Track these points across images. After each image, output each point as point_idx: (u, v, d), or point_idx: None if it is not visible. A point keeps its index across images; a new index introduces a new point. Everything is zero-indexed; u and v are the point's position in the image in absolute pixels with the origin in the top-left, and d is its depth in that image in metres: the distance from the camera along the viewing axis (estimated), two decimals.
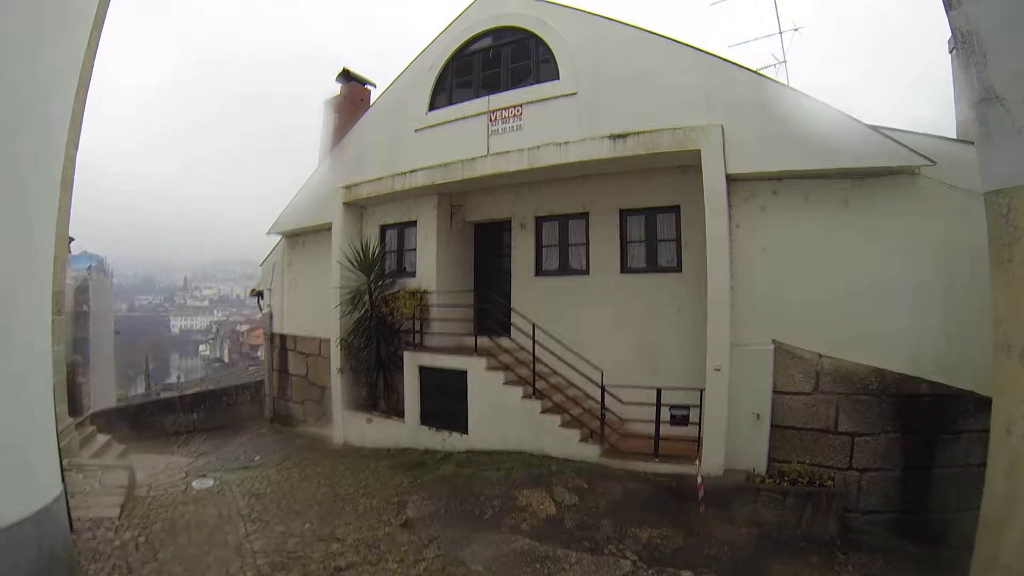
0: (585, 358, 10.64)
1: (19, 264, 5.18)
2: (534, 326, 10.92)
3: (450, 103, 12.68)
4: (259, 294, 18.71)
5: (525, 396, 10.80)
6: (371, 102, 14.97)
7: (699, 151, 9.57)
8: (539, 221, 12.71)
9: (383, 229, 14.22)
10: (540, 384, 10.95)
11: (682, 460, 9.43)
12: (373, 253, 13.12)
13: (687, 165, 10.17)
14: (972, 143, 9.26)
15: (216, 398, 19.57)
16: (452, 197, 13.22)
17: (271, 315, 17.82)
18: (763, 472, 9.09)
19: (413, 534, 7.98)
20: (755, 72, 9.91)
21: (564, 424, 10.47)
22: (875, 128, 8.79)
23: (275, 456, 13.10)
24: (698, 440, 9.60)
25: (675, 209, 11.12)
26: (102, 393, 27.26)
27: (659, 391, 9.62)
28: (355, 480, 10.44)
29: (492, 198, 13.07)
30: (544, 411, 10.64)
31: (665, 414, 9.69)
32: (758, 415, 9.36)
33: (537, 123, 11.24)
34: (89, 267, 29.93)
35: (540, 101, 11.33)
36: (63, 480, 6.18)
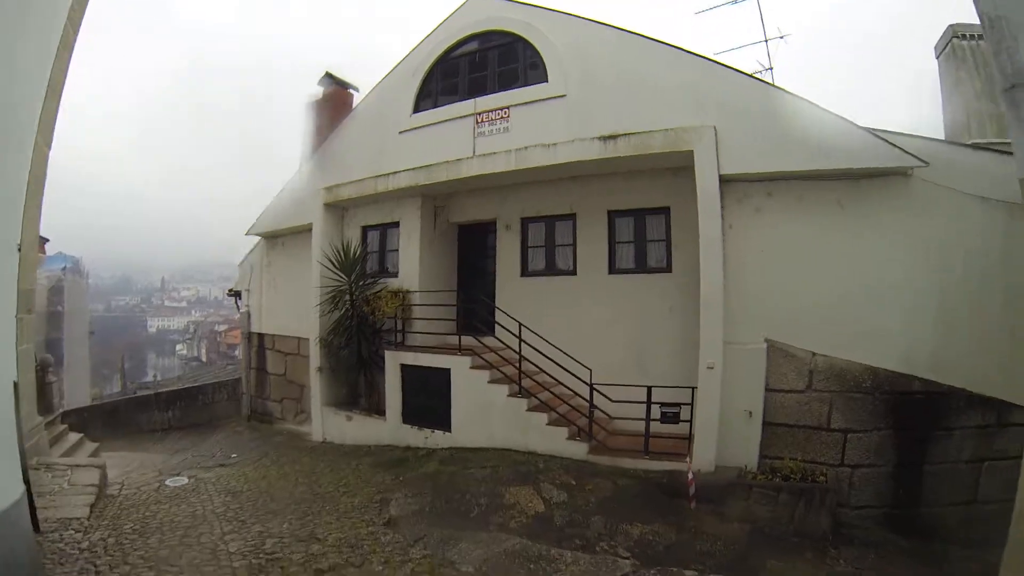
0: (573, 357, 10.30)
1: None
2: (520, 325, 10.49)
3: (435, 106, 12.31)
4: (237, 294, 18.13)
5: (511, 394, 10.40)
6: (354, 106, 14.51)
7: (691, 152, 9.37)
8: (525, 222, 12.33)
9: (365, 230, 13.72)
10: (526, 382, 10.51)
11: (672, 457, 9.12)
12: (354, 253, 12.63)
13: (678, 167, 9.99)
14: (963, 145, 9.59)
15: (192, 396, 18.90)
16: (436, 199, 12.77)
17: (249, 314, 17.22)
18: (755, 469, 8.92)
19: (398, 533, 7.47)
20: (747, 75, 9.81)
21: (551, 422, 10.09)
22: (868, 130, 8.68)
23: (252, 453, 12.51)
24: (689, 437, 9.30)
25: (665, 211, 10.84)
26: (76, 392, 26.64)
27: (649, 389, 9.31)
28: (335, 478, 9.91)
29: (477, 200, 12.65)
30: (530, 409, 10.25)
31: (655, 412, 9.36)
32: (750, 412, 9.17)
33: (525, 125, 10.92)
34: (64, 268, 29.29)
35: (528, 103, 11.05)
36: (27, 481, 5.63)
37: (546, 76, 10.95)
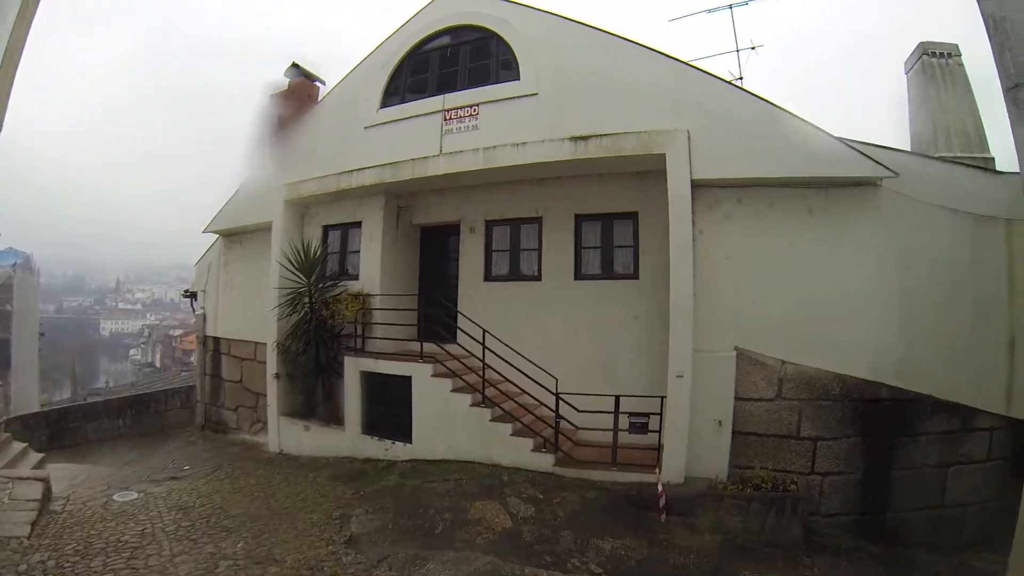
0: (538, 365, 9.96)
1: None
2: (484, 331, 10.13)
3: (403, 101, 11.83)
4: (192, 295, 17.21)
5: (474, 404, 9.98)
6: (320, 99, 13.94)
7: (664, 156, 9.16)
8: (490, 225, 11.93)
9: (326, 230, 13.13)
10: (490, 391, 10.08)
11: (641, 468, 8.84)
12: (315, 254, 12.04)
13: (647, 171, 9.80)
14: (931, 157, 9.55)
15: (144, 404, 18.02)
16: (400, 198, 12.27)
17: (205, 317, 16.40)
18: (725, 479, 8.81)
19: (360, 553, 7.00)
20: (721, 79, 9.64)
21: (515, 432, 9.71)
22: (840, 139, 8.67)
23: (206, 466, 11.79)
24: (658, 448, 9.06)
25: (633, 216, 10.59)
26: (24, 397, 25.45)
27: (617, 399, 9.01)
28: (292, 492, 9.37)
29: (441, 200, 12.22)
30: (494, 419, 9.85)
31: (623, 422, 9.08)
32: (720, 422, 8.99)
33: (494, 123, 10.57)
34: (14, 264, 28.14)
35: (498, 101, 10.68)
36: None
37: (518, 74, 10.61)
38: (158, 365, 69.60)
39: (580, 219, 11.06)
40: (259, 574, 6.42)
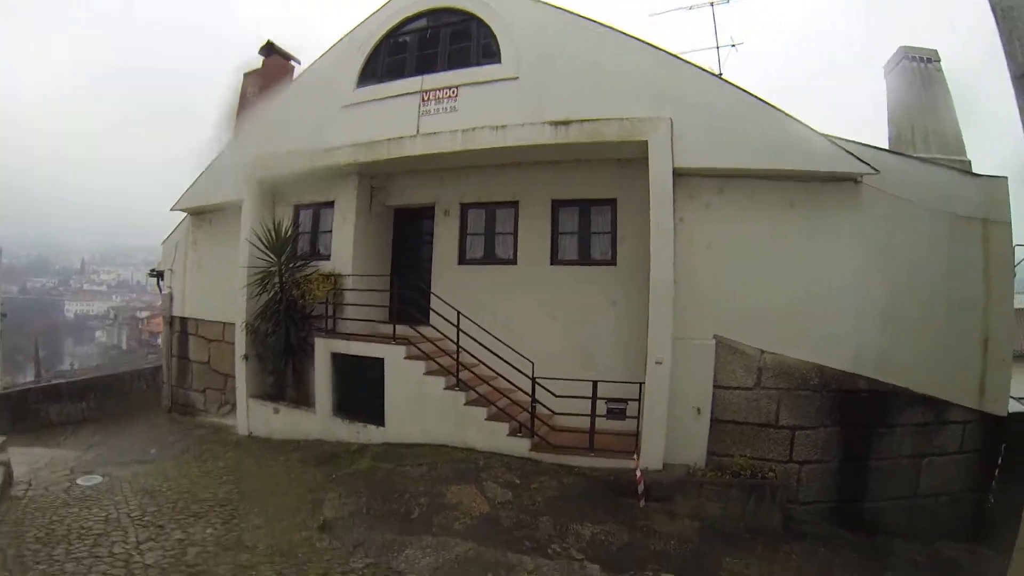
0: (514, 349, 9.75)
1: None
2: (459, 313, 9.85)
3: (381, 81, 11.41)
4: (159, 275, 16.50)
5: (448, 387, 9.71)
6: (295, 78, 13.45)
7: (645, 143, 9.02)
8: (465, 208, 11.67)
9: (298, 209, 12.70)
10: (464, 375, 9.85)
11: (619, 454, 8.69)
12: (286, 233, 11.60)
13: (627, 158, 9.72)
14: (911, 157, 9.55)
15: (108, 386, 17.31)
16: (374, 179, 11.88)
17: (171, 297, 15.76)
18: (703, 466, 8.86)
19: (335, 539, 6.72)
20: (706, 71, 9.51)
21: (491, 417, 9.49)
22: (823, 135, 8.72)
23: (173, 448, 11.35)
24: (636, 434, 8.90)
25: (611, 202, 10.46)
26: None
27: (595, 384, 8.83)
28: (262, 475, 9.07)
29: (416, 182, 11.88)
30: (468, 403, 9.61)
31: (601, 408, 8.93)
32: (698, 409, 8.91)
33: (473, 106, 10.27)
34: None
35: (478, 84, 10.40)
36: None
37: (499, 57, 10.31)
38: (125, 347, 67.91)
39: (557, 204, 10.89)
40: (230, 561, 6.11)
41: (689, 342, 8.85)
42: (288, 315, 11.34)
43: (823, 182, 8.88)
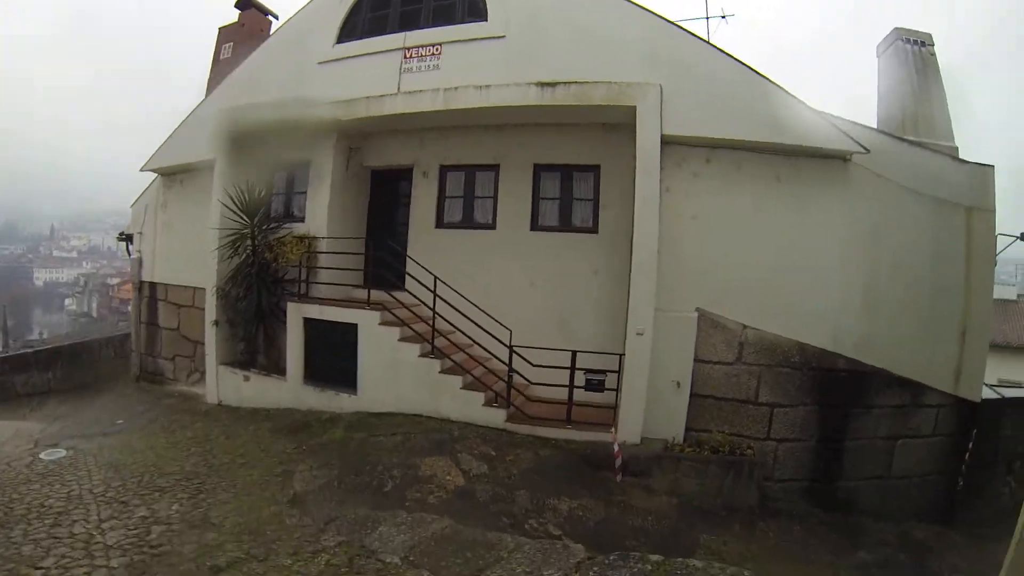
0: (492, 315, 9.48)
1: None
2: (436, 278, 9.52)
3: (361, 37, 10.93)
4: (128, 238, 15.91)
5: (423, 354, 9.39)
6: (272, 32, 12.85)
7: (633, 108, 8.71)
8: (444, 170, 11.27)
9: (272, 169, 12.01)
10: (440, 342, 9.50)
11: (596, 427, 8.45)
12: (259, 193, 11.10)
13: (613, 124, 9.51)
14: (900, 138, 9.37)
15: (76, 354, 16.57)
16: (351, 139, 11.39)
17: (140, 261, 15.18)
18: (681, 441, 8.66)
19: (305, 514, 6.35)
20: (699, 38, 9.21)
21: (466, 386, 9.19)
22: (814, 110, 8.54)
23: (140, 419, 10.89)
24: (614, 407, 8.66)
25: (594, 168, 10.18)
26: None
27: (574, 354, 8.57)
28: (231, 446, 8.65)
29: (395, 142, 11.43)
30: (444, 371, 9.29)
31: (579, 379, 8.67)
32: (678, 383, 8.72)
33: (457, 64, 9.87)
34: None
35: (463, 41, 9.98)
36: None
37: (486, 15, 9.88)
38: (95, 315, 66.88)
39: (539, 169, 10.57)
40: (195, 540, 5.72)
41: (670, 314, 8.62)
42: (260, 279, 10.89)
43: (812, 158, 8.68)
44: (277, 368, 11.01)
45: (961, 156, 9.71)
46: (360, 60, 10.71)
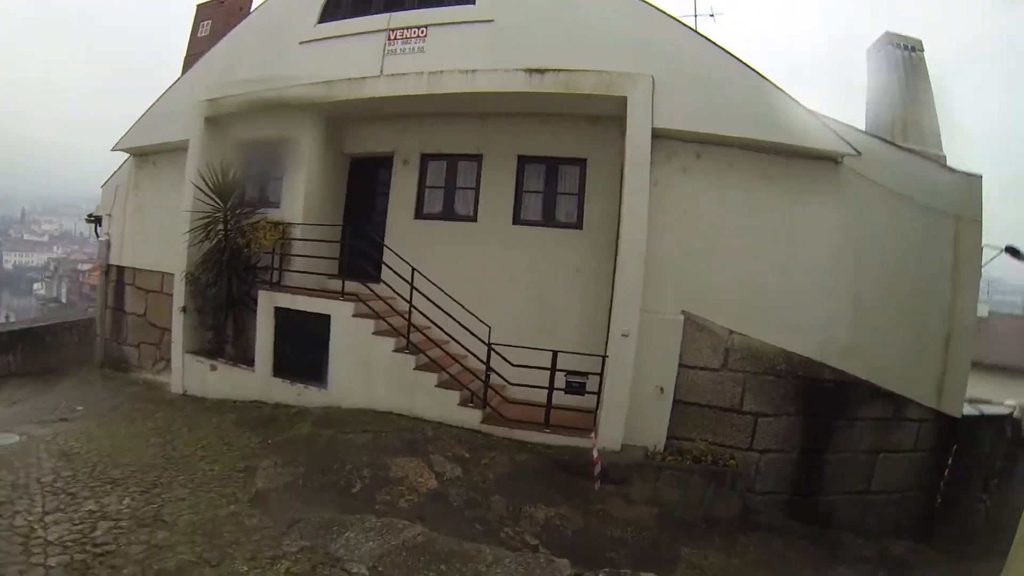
0: (470, 311, 9.10)
1: None
2: (413, 270, 9.13)
3: (344, 17, 10.46)
4: (97, 220, 15.20)
5: (397, 349, 8.97)
6: (251, 11, 12.30)
7: (624, 99, 8.42)
8: (425, 159, 10.85)
9: (247, 151, 11.38)
10: (416, 337, 9.10)
11: (575, 432, 8.12)
12: (233, 176, 10.62)
13: (600, 116, 9.26)
14: (892, 143, 9.16)
15: (38, 337, 15.84)
16: (330, 123, 10.94)
17: (109, 244, 14.49)
18: (662, 449, 8.34)
19: (267, 515, 5.91)
20: (694, 30, 8.99)
21: (441, 384, 8.80)
22: (808, 109, 8.36)
23: (101, 406, 10.39)
24: (595, 411, 8.34)
25: (580, 162, 9.88)
26: None
27: (555, 354, 8.19)
28: (193, 438, 8.19)
29: (375, 128, 10.99)
30: (418, 367, 8.89)
31: (559, 381, 8.30)
32: (662, 388, 8.38)
33: (443, 48, 9.47)
34: None
35: (450, 24, 9.57)
36: None
37: None
38: (64, 301, 65.61)
39: (523, 160, 10.24)
40: (144, 539, 5.25)
41: (656, 316, 8.31)
42: (231, 265, 10.41)
43: (804, 159, 8.45)
44: (245, 359, 10.51)
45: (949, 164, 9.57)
46: (342, 41, 10.24)
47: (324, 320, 9.39)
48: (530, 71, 8.68)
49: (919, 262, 8.88)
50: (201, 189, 10.44)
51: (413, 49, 9.66)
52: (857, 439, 8.68)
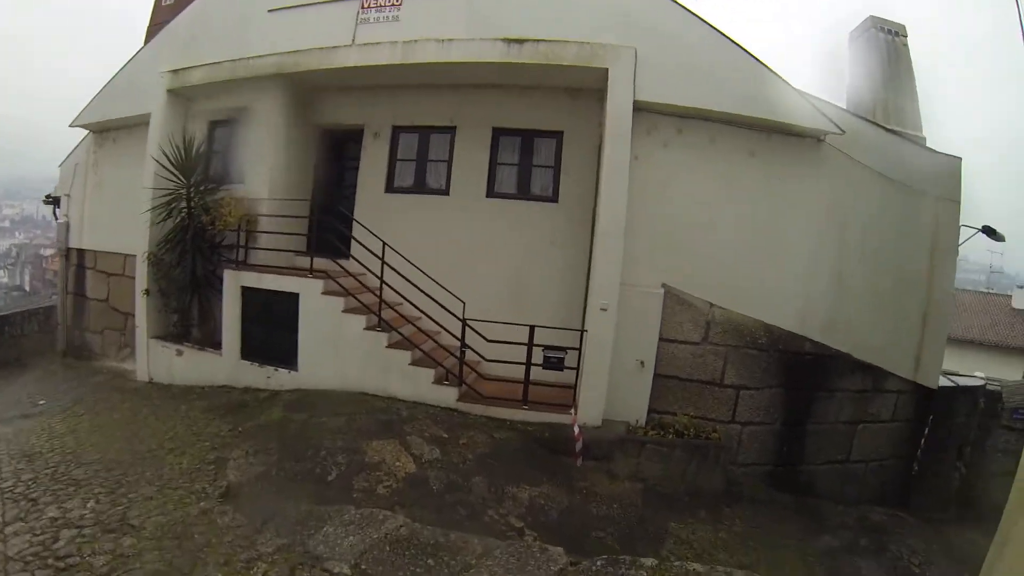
0: (443, 286, 8.81)
1: None
2: (384, 244, 8.81)
3: None
4: (55, 201, 14.46)
5: (369, 327, 8.67)
6: None
7: (605, 71, 8.14)
8: (397, 131, 10.44)
9: (212, 125, 11.09)
10: (388, 314, 8.78)
11: (555, 408, 7.93)
12: (197, 150, 10.13)
13: (578, 88, 9.01)
14: (874, 123, 9.18)
15: None
16: (299, 95, 10.46)
17: (68, 226, 13.81)
18: (643, 424, 8.19)
19: (239, 511, 5.57)
20: (678, 3, 8.50)
21: (415, 362, 8.52)
22: (792, 86, 8.20)
23: (64, 399, 9.88)
24: (574, 387, 8.10)
25: (557, 135, 9.58)
26: None
27: (531, 329, 7.93)
28: (160, 429, 7.80)
29: (345, 100, 10.54)
30: (391, 345, 8.59)
31: (537, 356, 8.05)
32: (642, 362, 8.23)
33: (418, 16, 9.00)
34: None
35: None
36: None
37: None
38: (28, 288, 63.45)
39: (498, 133, 9.92)
40: (109, 548, 4.90)
41: (635, 289, 8.13)
42: (195, 244, 9.92)
43: (786, 135, 8.32)
44: (212, 342, 10.08)
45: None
46: (314, 9, 9.68)
47: (293, 299, 9.03)
48: (508, 41, 8.31)
49: (899, 239, 8.92)
50: (163, 165, 9.93)
51: (387, 18, 9.18)
52: (837, 410, 8.71)
